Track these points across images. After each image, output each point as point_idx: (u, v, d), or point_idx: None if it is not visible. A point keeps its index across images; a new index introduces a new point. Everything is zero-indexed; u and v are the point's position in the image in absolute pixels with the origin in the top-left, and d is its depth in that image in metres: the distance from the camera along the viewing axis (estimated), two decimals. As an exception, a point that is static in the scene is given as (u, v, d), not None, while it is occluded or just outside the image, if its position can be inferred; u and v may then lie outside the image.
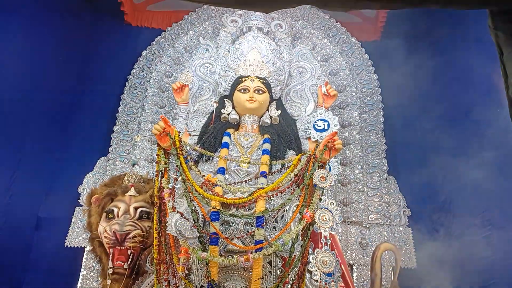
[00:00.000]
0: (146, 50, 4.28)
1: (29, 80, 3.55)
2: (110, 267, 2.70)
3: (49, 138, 3.83)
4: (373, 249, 3.25)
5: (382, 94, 4.06)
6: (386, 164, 3.85)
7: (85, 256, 3.44)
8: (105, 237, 2.73)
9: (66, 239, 3.52)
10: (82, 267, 3.40)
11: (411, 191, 3.75)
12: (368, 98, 4.06)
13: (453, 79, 3.93)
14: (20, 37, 3.44)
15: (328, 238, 2.48)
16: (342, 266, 3.05)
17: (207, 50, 3.89)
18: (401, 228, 3.64)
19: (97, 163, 3.83)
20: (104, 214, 2.87)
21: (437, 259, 3.36)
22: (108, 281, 2.69)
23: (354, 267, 3.50)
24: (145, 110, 4.01)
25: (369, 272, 3.14)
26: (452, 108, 3.86)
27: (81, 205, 3.55)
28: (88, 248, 3.39)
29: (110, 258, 2.72)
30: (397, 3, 1.87)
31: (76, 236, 3.52)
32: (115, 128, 3.98)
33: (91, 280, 3.35)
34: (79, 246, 3.50)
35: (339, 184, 3.77)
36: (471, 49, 3.72)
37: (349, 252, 3.53)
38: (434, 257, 3.38)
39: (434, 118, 3.87)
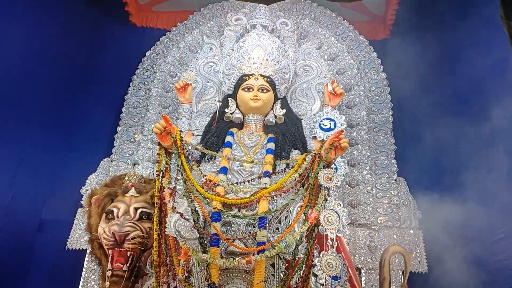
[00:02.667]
0: (150, 50, 4.24)
1: (32, 80, 3.52)
2: (109, 269, 2.63)
3: (52, 139, 3.81)
4: (382, 252, 3.14)
5: (390, 93, 3.96)
6: (396, 165, 3.74)
7: (86, 258, 3.39)
8: (104, 238, 2.66)
9: (68, 241, 3.47)
10: (84, 269, 3.35)
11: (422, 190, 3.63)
12: (377, 98, 3.97)
13: (464, 73, 3.80)
14: (24, 37, 3.40)
15: (334, 240, 2.37)
16: (349, 269, 2.95)
17: (211, 49, 3.84)
18: (411, 231, 3.52)
19: (100, 164, 3.79)
20: (104, 215, 2.80)
21: (450, 262, 3.24)
22: (107, 284, 2.62)
23: (362, 271, 3.40)
24: (148, 111, 3.97)
25: (378, 276, 3.03)
26: (464, 104, 3.73)
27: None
28: (89, 250, 3.33)
29: (109, 260, 2.65)
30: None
31: (78, 238, 3.48)
32: (119, 128, 3.94)
33: (93, 283, 3.30)
34: (80, 248, 3.45)
35: (347, 186, 3.67)
36: (482, 40, 3.59)
37: (357, 255, 3.43)
38: (446, 259, 3.26)
39: (446, 114, 3.75)
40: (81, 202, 3.56)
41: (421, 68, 3.93)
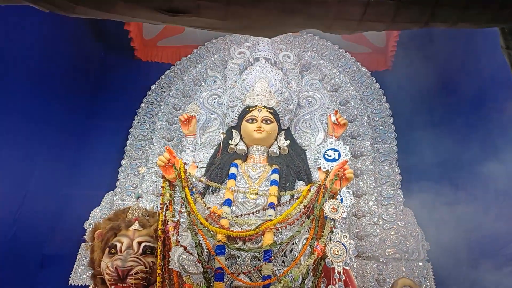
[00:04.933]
0: (155, 84, 4.30)
1: (37, 114, 3.55)
2: (112, 307, 2.56)
3: (56, 173, 3.79)
4: (390, 285, 3.06)
5: (394, 123, 3.97)
6: (402, 196, 3.70)
7: (89, 295, 3.32)
8: (107, 273, 2.60)
9: (70, 277, 3.41)
10: (86, 306, 3.29)
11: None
12: (381, 128, 3.97)
13: (467, 101, 3.81)
14: (30, 71, 3.46)
15: (341, 273, 2.31)
16: (358, 304, 2.87)
17: (215, 81, 3.89)
18: (420, 263, 3.43)
19: (104, 197, 3.76)
20: (107, 250, 2.75)
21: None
22: (109, 321, 2.55)
23: (371, 305, 3.30)
24: (153, 143, 3.98)
25: (387, 311, 2.94)
26: (470, 135, 3.72)
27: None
28: (91, 286, 3.27)
29: (112, 296, 2.59)
30: (402, 23, 1.80)
31: (81, 274, 3.41)
32: (123, 162, 3.94)
33: (95, 320, 3.21)
34: (83, 284, 3.38)
35: (353, 217, 3.62)
36: (486, 69, 3.60)
37: (365, 289, 3.34)
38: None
39: (450, 144, 3.74)
40: (84, 236, 3.52)
41: (424, 94, 3.97)
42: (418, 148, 3.96)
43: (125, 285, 2.58)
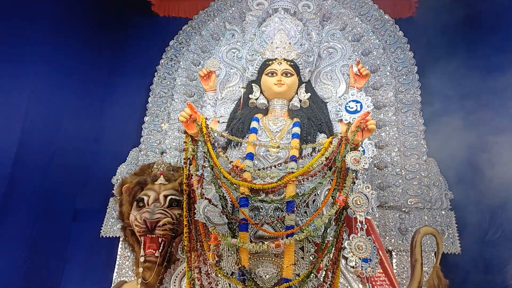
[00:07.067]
0: (173, 39, 4.27)
1: (59, 74, 3.60)
2: (142, 255, 2.71)
3: (82, 132, 3.90)
4: (413, 234, 3.10)
5: (418, 72, 3.87)
6: (425, 146, 3.67)
7: (120, 246, 3.50)
8: (136, 225, 2.73)
9: (101, 230, 3.58)
10: (118, 256, 3.46)
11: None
12: (404, 77, 3.88)
13: (495, 50, 3.67)
14: (49, 31, 3.48)
15: (363, 223, 2.35)
16: (380, 252, 2.92)
17: (233, 35, 3.81)
18: (443, 212, 3.46)
19: (129, 154, 3.86)
20: (134, 203, 2.87)
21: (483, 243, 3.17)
22: (141, 270, 2.70)
23: (393, 253, 3.37)
24: (174, 100, 4.01)
25: (409, 258, 3.00)
26: (494, 83, 3.61)
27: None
28: (122, 238, 3.42)
29: (142, 246, 2.73)
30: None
31: (111, 226, 3.58)
32: (146, 118, 4.00)
33: (127, 269, 3.40)
34: (114, 236, 3.55)
35: (375, 168, 3.63)
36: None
37: (387, 238, 3.40)
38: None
39: (475, 96, 3.64)
40: (113, 191, 3.65)
41: (448, 41, 3.84)
42: (442, 90, 3.86)
43: (154, 236, 2.71)
